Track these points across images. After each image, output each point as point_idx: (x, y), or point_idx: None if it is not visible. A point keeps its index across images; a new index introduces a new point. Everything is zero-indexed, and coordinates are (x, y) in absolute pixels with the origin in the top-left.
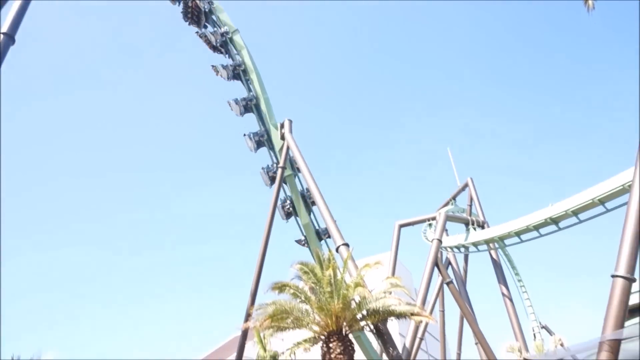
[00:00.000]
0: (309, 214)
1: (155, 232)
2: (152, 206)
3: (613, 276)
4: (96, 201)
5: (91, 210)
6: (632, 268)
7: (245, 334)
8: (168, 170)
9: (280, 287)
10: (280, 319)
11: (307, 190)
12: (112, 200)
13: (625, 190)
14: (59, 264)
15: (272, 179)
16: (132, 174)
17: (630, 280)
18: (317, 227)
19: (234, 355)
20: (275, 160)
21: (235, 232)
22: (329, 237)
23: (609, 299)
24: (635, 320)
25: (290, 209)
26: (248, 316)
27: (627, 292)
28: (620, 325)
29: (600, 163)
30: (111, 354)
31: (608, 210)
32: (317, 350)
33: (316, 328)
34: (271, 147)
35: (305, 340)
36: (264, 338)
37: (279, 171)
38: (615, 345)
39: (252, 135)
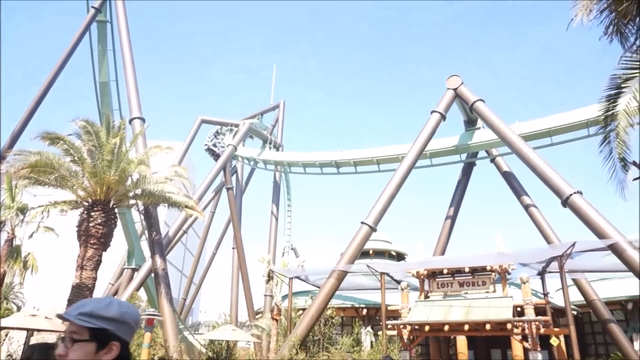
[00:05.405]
0: (109, 75)
1: None
2: None
3: (362, 223)
4: None
5: None
6: (377, 220)
7: None
8: None
9: (53, 139)
10: (42, 172)
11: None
12: None
13: (398, 160)
14: None
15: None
16: None
17: (372, 229)
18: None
19: None
20: None
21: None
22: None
23: (351, 239)
24: (363, 260)
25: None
26: (1, 158)
27: (366, 237)
28: (352, 261)
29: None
30: None
31: (380, 171)
32: (74, 215)
33: (82, 193)
34: None
35: (64, 202)
36: (16, 188)
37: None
38: (342, 275)
39: None
